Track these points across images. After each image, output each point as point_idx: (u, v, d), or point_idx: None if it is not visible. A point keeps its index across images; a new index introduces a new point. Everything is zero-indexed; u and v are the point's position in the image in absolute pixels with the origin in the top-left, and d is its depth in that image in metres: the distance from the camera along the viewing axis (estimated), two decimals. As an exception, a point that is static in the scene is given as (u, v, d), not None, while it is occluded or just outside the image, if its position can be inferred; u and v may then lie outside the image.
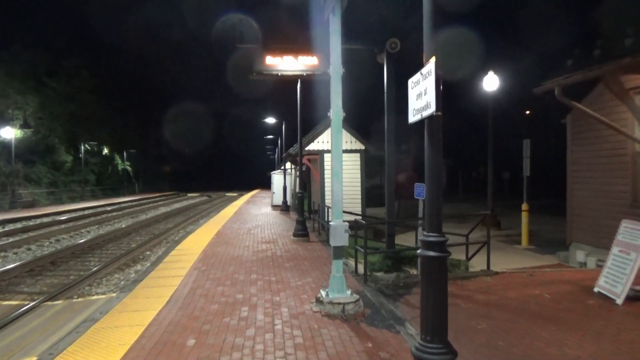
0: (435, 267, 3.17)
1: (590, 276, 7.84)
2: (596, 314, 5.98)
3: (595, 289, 6.91)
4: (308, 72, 8.63)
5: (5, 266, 10.91)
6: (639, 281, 6.69)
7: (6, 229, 18.99)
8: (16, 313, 6.99)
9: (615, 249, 6.90)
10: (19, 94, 40.32)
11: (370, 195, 22.80)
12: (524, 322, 5.63)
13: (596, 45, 8.31)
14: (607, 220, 9.59)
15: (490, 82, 16.59)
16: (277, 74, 8.81)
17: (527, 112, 39.90)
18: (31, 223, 21.27)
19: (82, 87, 50.06)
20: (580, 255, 10.73)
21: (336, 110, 6.39)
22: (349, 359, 4.41)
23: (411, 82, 3.57)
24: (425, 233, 3.24)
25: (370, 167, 28.96)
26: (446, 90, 3.24)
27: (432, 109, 3.16)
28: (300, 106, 14.44)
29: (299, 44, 8.69)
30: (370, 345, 4.79)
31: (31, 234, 17.39)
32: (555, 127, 16.10)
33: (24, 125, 36.20)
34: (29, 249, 14.17)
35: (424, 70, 3.31)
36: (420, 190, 7.86)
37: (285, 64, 8.62)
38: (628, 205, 9.47)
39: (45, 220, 22.90)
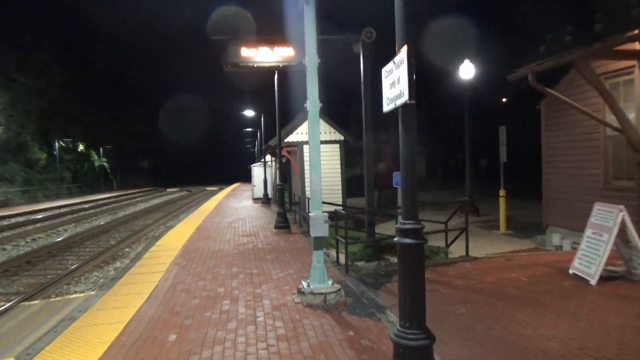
0: (411, 254, 3.21)
1: (565, 258, 8.04)
2: (571, 294, 6.14)
3: (571, 271, 7.09)
4: (284, 63, 8.57)
5: (-21, 268, 10.65)
6: (611, 262, 6.91)
7: (-21, 229, 18.52)
8: (-8, 315, 6.84)
9: (588, 231, 7.08)
10: (-13, 90, 39.17)
11: (351, 185, 22.90)
12: (501, 305, 5.75)
13: (567, 32, 8.46)
14: (581, 204, 9.83)
15: (466, 70, 16.74)
16: (253, 66, 8.73)
17: (504, 99, 40.42)
18: (5, 223, 20.77)
19: (52, 82, 48.76)
20: (556, 239, 10.99)
21: (312, 101, 6.37)
22: (331, 348, 4.44)
23: (384, 71, 3.57)
24: (401, 221, 3.26)
25: (350, 157, 29.05)
26: (424, 78, 3.25)
27: (405, 97, 3.17)
28: (277, 98, 14.37)
29: (275, 34, 8.62)
30: (351, 333, 4.83)
31: (5, 233, 16.99)
32: (529, 114, 16.37)
33: (-6, 123, 35.23)
34: (4, 249, 13.85)
35: (396, 58, 3.31)
36: (399, 179, 7.91)
37: (261, 55, 8.55)
38: (600, 188, 9.72)
39: (20, 219, 22.39)
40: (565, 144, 11.00)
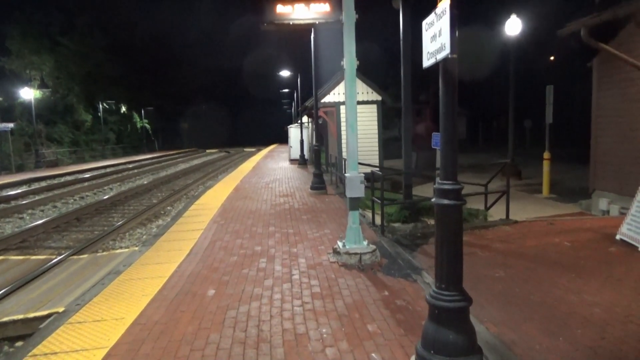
0: (449, 215, 3.11)
1: (612, 224, 7.71)
2: (617, 261, 5.91)
3: (618, 237, 6.80)
4: (320, 20, 8.31)
5: (33, 223, 11.27)
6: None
7: (32, 187, 19.53)
8: (44, 267, 7.25)
9: None
10: (34, 54, 40.41)
11: (388, 147, 22.57)
12: (542, 270, 5.60)
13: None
14: (632, 167, 9.33)
15: (513, 26, 15.87)
16: (289, 23, 8.52)
17: (551, 57, 38.33)
18: (55, 181, 21.80)
19: (95, 45, 49.82)
20: (603, 203, 10.54)
21: (350, 59, 6.19)
22: (365, 307, 4.46)
23: (425, 23, 3.38)
24: (439, 181, 3.15)
25: (388, 118, 28.53)
26: (464, 35, 3.04)
27: (446, 50, 2.99)
28: (314, 58, 14.09)
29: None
30: (386, 293, 4.83)
31: (56, 192, 17.85)
32: (579, 73, 15.47)
33: (42, 86, 36.45)
34: (55, 206, 14.58)
35: (438, 9, 3.11)
36: (438, 140, 7.70)
37: (297, 12, 8.31)
38: (655, 151, 9.17)
39: (69, 178, 23.43)
40: (617, 104, 10.35)
